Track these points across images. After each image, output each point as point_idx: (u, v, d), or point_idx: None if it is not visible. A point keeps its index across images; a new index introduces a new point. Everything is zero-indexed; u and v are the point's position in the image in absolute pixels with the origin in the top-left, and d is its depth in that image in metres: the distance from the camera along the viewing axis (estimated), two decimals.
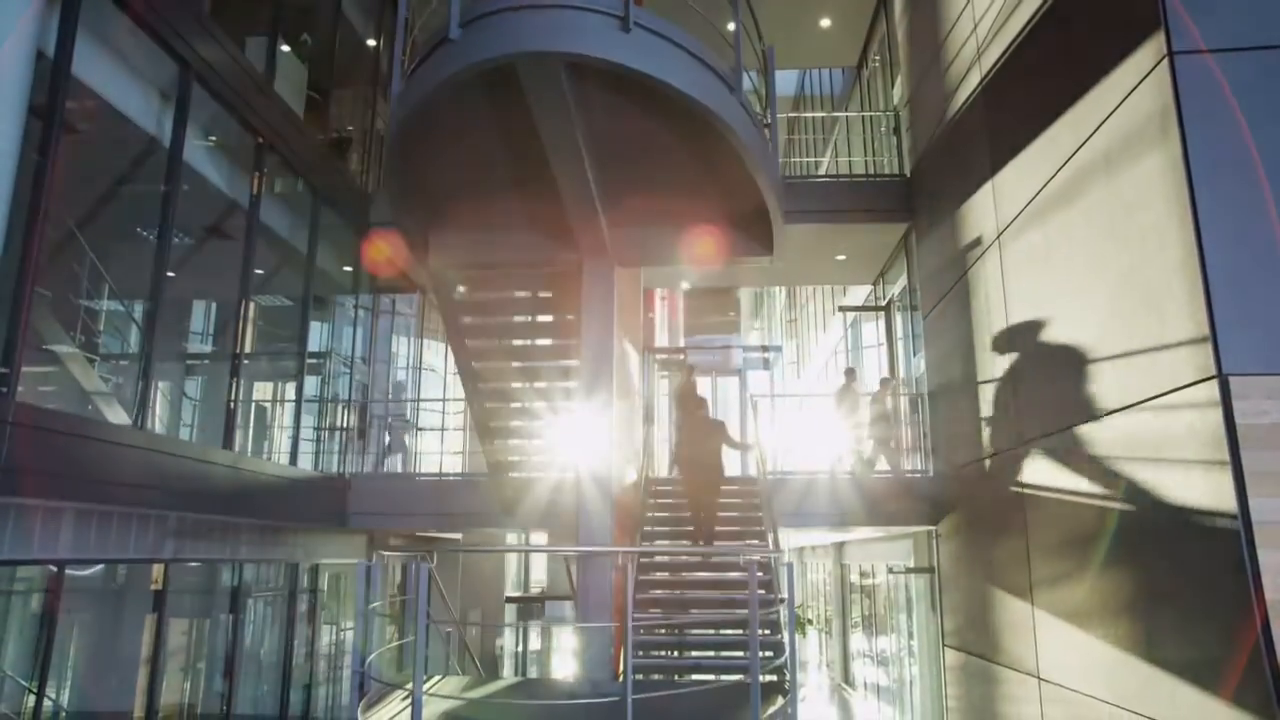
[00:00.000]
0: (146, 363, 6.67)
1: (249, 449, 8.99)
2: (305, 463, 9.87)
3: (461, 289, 7.60)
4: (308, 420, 10.01)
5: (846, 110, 13.54)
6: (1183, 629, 4.65)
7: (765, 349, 12.53)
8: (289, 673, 9.71)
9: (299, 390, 9.39)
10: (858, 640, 17.12)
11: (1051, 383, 6.28)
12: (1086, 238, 5.71)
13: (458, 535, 12.17)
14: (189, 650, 8.65)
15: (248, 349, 8.71)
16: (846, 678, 17.84)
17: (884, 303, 11.67)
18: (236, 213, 8.61)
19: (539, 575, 14.30)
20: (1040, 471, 6.52)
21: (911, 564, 11.25)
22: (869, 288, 12.69)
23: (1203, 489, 4.43)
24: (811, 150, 12.84)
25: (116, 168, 7.40)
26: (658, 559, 6.95)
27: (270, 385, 9.87)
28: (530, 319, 7.95)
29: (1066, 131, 5.99)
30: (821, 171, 11.97)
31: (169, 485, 6.90)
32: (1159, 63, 4.75)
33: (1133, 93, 5.04)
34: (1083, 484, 5.78)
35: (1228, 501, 4.22)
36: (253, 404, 9.46)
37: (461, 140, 5.95)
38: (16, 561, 5.98)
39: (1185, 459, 4.58)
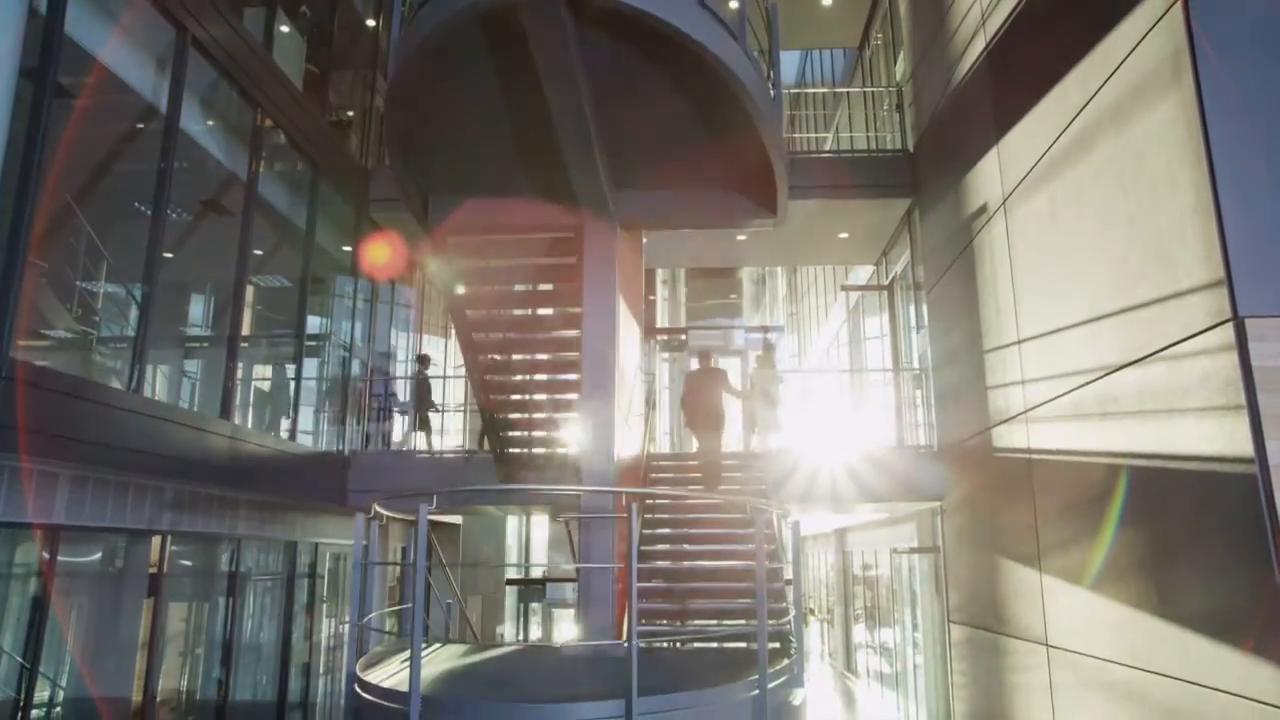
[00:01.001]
0: (143, 325, 6.59)
1: (249, 422, 8.90)
2: (305, 441, 9.79)
3: (462, 260, 7.52)
4: (308, 399, 9.94)
5: (848, 91, 13.46)
6: (1197, 582, 4.56)
7: (767, 329, 12.45)
8: (287, 659, 9.62)
9: (298, 364, 9.31)
10: (861, 629, 17.04)
11: (1059, 345, 6.19)
12: (1095, 194, 5.63)
13: (458, 519, 12.10)
14: (187, 635, 8.56)
15: (247, 326, 8.63)
16: (849, 666, 17.76)
17: (887, 282, 11.59)
18: (235, 186, 8.53)
19: (539, 557, 14.24)
20: (1048, 435, 6.44)
21: (915, 544, 11.17)
22: (871, 269, 12.62)
23: (1218, 436, 4.35)
24: (815, 126, 12.76)
25: (112, 135, 7.31)
26: (661, 516, 6.91)
27: (269, 362, 9.77)
28: (531, 288, 7.86)
29: (1074, 87, 5.91)
30: (824, 151, 11.88)
31: (166, 454, 6.81)
32: (1171, 6, 4.67)
33: (1144, 38, 4.96)
34: (1093, 444, 5.70)
35: (1244, 446, 4.14)
36: (251, 382, 9.38)
37: (461, 98, 5.87)
38: (11, 524, 5.89)
39: (1199, 407, 4.50)
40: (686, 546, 7.28)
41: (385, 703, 3.98)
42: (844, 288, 12.51)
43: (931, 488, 9.41)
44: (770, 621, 4.91)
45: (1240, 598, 4.19)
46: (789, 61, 14.74)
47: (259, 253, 9.08)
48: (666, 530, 7.14)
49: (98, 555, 7.46)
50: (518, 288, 7.85)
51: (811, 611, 22.59)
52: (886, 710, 13.68)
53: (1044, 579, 6.55)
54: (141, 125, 7.31)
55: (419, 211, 6.88)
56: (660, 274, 14.27)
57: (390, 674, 4.53)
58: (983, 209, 7.77)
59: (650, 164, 6.47)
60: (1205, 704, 4.46)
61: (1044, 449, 6.53)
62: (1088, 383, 5.71)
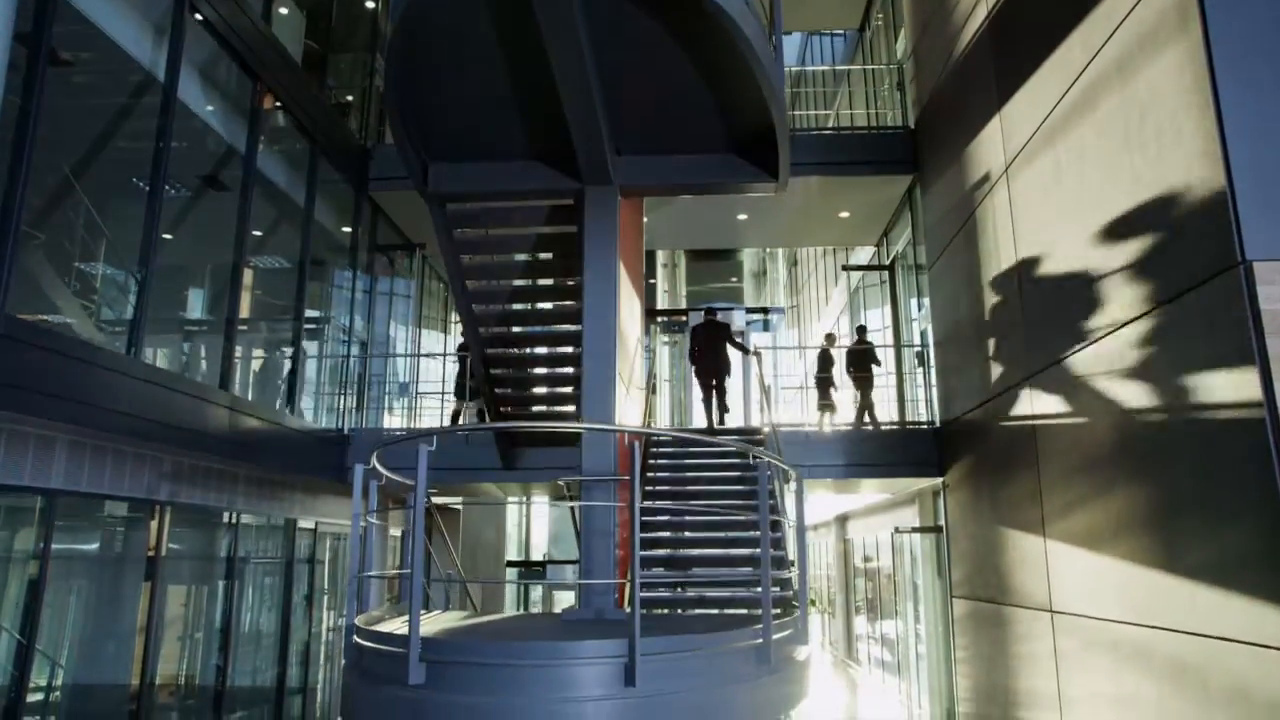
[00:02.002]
0: (142, 288, 6.55)
1: (249, 395, 8.85)
2: (304, 417, 9.74)
3: (461, 229, 7.48)
4: (308, 376, 9.90)
5: (849, 74, 13.43)
6: (1205, 532, 4.52)
7: (766, 310, 12.45)
8: (286, 644, 9.57)
9: (296, 338, 9.27)
10: (862, 619, 17.01)
11: (1063, 307, 6.16)
12: (1099, 152, 5.59)
13: (457, 500, 12.06)
14: (186, 620, 8.50)
15: (246, 305, 8.59)
16: (850, 654, 17.73)
17: (888, 262, 11.56)
18: (233, 159, 8.49)
19: (540, 539, 14.17)
20: (1052, 400, 6.41)
21: (917, 524, 11.15)
22: (872, 251, 12.60)
23: (1225, 384, 4.32)
24: (816, 104, 12.73)
25: (109, 102, 7.27)
26: (661, 483, 6.89)
27: (269, 339, 9.73)
28: (532, 258, 7.81)
29: (1078, 47, 5.88)
30: (825, 128, 11.86)
31: (165, 422, 6.77)
32: None
33: None
34: (1098, 404, 5.67)
35: (1252, 391, 4.10)
36: (251, 359, 9.34)
37: (463, 58, 5.83)
38: (9, 488, 5.85)
39: (1206, 356, 4.46)
40: (688, 498, 7.23)
41: (384, 646, 3.94)
42: (845, 268, 12.49)
43: (933, 463, 9.37)
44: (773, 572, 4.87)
45: (1249, 544, 4.16)
46: (789, 45, 14.69)
47: (257, 234, 9.04)
48: (668, 502, 7.10)
49: (96, 540, 7.43)
50: (518, 258, 7.81)
51: (812, 602, 22.56)
52: (888, 693, 13.64)
53: (1048, 545, 6.51)
54: (135, 94, 7.27)
55: (419, 178, 6.84)
56: (660, 258, 14.25)
57: (390, 630, 4.49)
58: (985, 178, 7.74)
59: (651, 127, 6.43)
60: (1211, 656, 4.43)
61: (1047, 413, 6.50)
62: (1093, 341, 5.67)
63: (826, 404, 10.90)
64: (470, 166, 6.92)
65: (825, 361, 11.14)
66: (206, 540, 8.56)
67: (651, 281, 14.13)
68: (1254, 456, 4.09)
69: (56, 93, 5.89)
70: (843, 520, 18.40)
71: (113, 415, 6.16)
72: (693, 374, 10.09)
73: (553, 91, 5.77)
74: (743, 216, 11.18)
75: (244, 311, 8.53)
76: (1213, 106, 4.35)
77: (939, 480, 9.59)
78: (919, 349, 10.10)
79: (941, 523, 10.00)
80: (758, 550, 6.22)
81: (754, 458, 4.91)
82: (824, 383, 11.00)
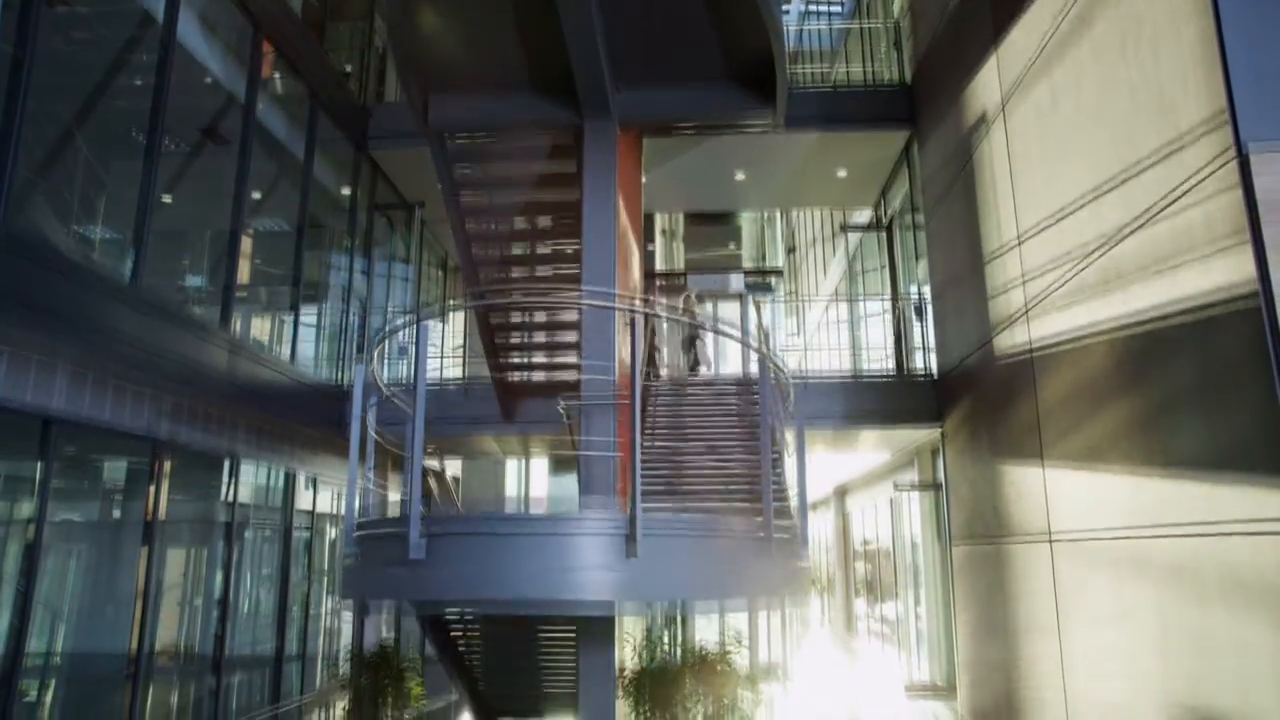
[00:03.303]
0: (143, 216, 6.56)
1: (249, 341, 8.86)
2: (304, 371, 9.75)
3: (463, 166, 7.50)
4: (307, 334, 9.92)
5: (845, 42, 13.45)
6: (1201, 426, 4.55)
7: (764, 273, 12.47)
8: (284, 611, 9.57)
9: (296, 279, 9.28)
10: (862, 600, 17.05)
11: (1061, 232, 6.18)
12: (1096, 71, 5.62)
13: (457, 459, 12.07)
14: (184, 586, 8.48)
15: (245, 264, 8.61)
16: (849, 626, 17.76)
17: (886, 221, 11.59)
18: (233, 108, 8.50)
19: (539, 493, 14.14)
20: (1052, 324, 6.43)
21: (916, 480, 11.17)
22: (870, 214, 12.62)
23: (1222, 276, 4.34)
24: (815, 61, 12.74)
25: (107, 45, 7.27)
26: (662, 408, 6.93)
27: (268, 290, 9.75)
28: (531, 198, 7.82)
29: None
30: (823, 85, 11.86)
31: (165, 357, 6.77)
32: None
33: None
34: (1096, 319, 5.69)
35: (1249, 279, 4.13)
36: (252, 308, 9.36)
37: None
38: (10, 408, 5.85)
39: (1204, 249, 4.49)
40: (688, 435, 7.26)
41: (384, 529, 3.96)
42: (843, 227, 12.51)
43: (932, 414, 9.39)
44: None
45: (1245, 430, 4.18)
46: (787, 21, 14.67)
47: (256, 196, 9.05)
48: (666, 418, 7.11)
49: (95, 505, 7.44)
50: (518, 198, 7.82)
51: (812, 582, 22.59)
52: (886, 656, 13.66)
53: (1046, 473, 6.53)
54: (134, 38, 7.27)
55: (420, 111, 6.86)
56: (659, 223, 14.27)
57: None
58: (981, 119, 7.77)
59: (650, 57, 6.45)
60: (1207, 552, 4.46)
61: (1046, 338, 6.52)
62: (1090, 256, 5.70)
63: None
64: (470, 100, 6.94)
65: None
66: (204, 508, 8.56)
67: (651, 248, 14.16)
68: (1248, 345, 4.12)
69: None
70: (841, 494, 18.44)
71: (115, 342, 6.17)
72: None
73: (553, 18, 5.79)
74: (740, 175, 11.20)
75: (243, 271, 8.54)
76: (1211, 5, 4.37)
77: (938, 432, 9.61)
78: (916, 301, 10.12)
79: (940, 479, 10.02)
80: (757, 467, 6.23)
81: (756, 352, 4.91)
82: None
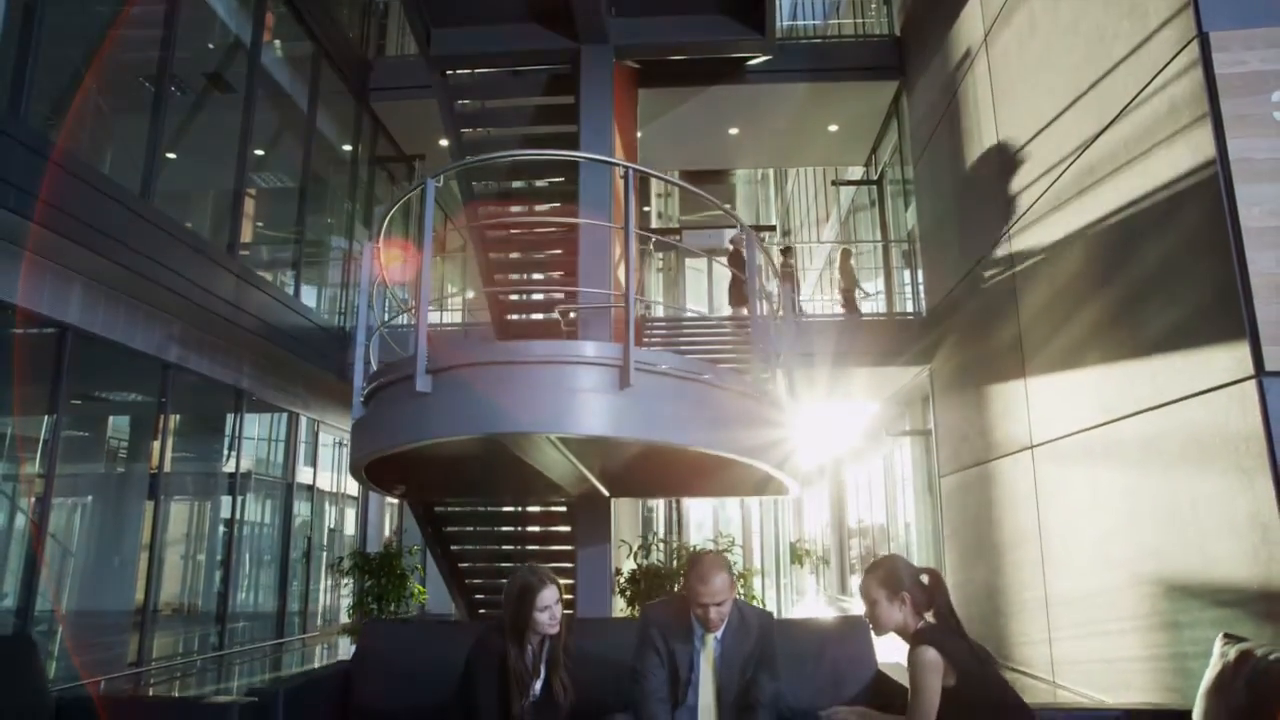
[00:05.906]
0: (156, 133, 6.78)
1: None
2: (308, 308, 9.97)
3: (463, 101, 7.73)
4: (310, 275, 10.15)
5: (837, 11, 13.70)
6: (1164, 301, 4.79)
7: (760, 228, 12.69)
8: (286, 565, 9.79)
9: (300, 217, 9.50)
10: (856, 576, 17.29)
11: (1038, 150, 6.43)
12: None
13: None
14: (189, 540, 8.70)
15: (247, 230, 8.82)
16: (844, 590, 18.00)
17: (876, 177, 11.84)
18: (238, 53, 8.74)
19: None
20: (1031, 239, 6.67)
21: (908, 427, 11.42)
22: (861, 170, 12.87)
23: (1186, 156, 4.58)
24: (809, 14, 13.00)
25: None
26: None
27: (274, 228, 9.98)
28: (530, 131, 8.05)
29: None
30: (813, 37, 12.11)
31: (172, 274, 6.98)
32: None
33: None
34: (1071, 224, 5.93)
35: (1207, 150, 4.37)
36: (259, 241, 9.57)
37: None
38: (29, 314, 6.07)
39: (1169, 134, 4.73)
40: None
41: (390, 376, 4.18)
42: (834, 183, 12.77)
43: (921, 352, 9.63)
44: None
45: (1205, 298, 4.42)
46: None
47: (259, 153, 9.28)
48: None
49: (99, 467, 7.65)
50: (516, 129, 8.05)
51: (807, 553, 22.81)
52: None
53: (1028, 384, 6.77)
54: None
55: (422, 42, 7.09)
56: (654, 188, 14.54)
57: None
58: (965, 56, 8.02)
59: None
60: (1168, 427, 4.70)
61: (1026, 252, 6.76)
62: (1065, 160, 5.94)
63: None
64: (471, 31, 7.17)
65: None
66: (206, 462, 8.79)
67: (646, 209, 14.42)
68: (1209, 213, 4.36)
69: None
70: (837, 465, 18.68)
71: (127, 254, 6.39)
72: None
73: None
74: (734, 131, 11.44)
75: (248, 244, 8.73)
76: None
77: (927, 374, 9.85)
78: (905, 245, 10.37)
79: (930, 426, 10.26)
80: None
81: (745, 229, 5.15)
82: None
